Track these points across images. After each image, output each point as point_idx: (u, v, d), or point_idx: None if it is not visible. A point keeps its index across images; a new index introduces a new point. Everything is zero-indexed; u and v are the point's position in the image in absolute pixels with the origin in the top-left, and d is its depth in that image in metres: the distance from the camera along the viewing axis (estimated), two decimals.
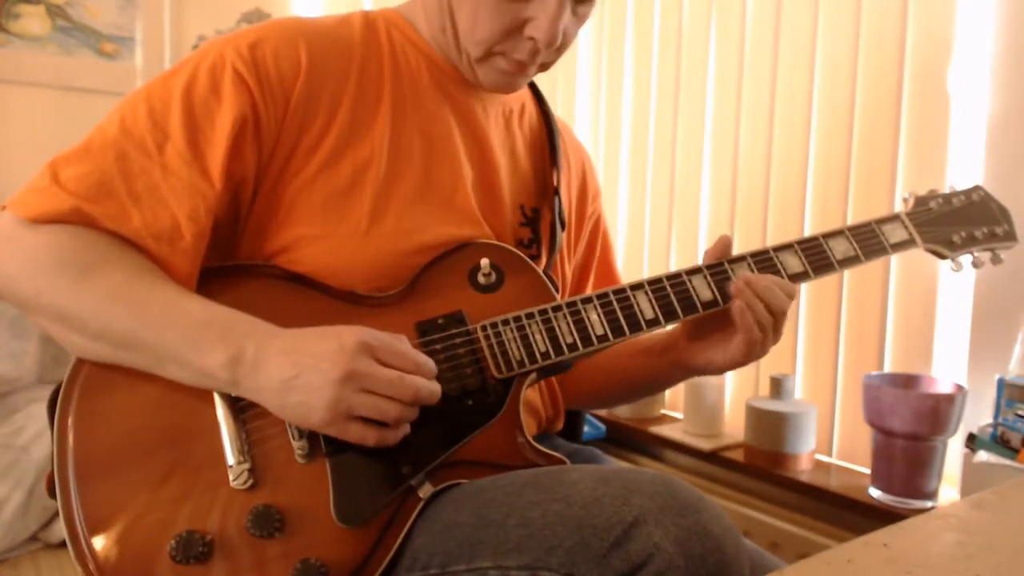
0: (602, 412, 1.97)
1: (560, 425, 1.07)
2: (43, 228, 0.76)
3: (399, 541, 0.74)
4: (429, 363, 0.76)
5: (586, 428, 1.87)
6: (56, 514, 1.77)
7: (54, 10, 2.34)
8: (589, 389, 1.07)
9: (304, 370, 0.71)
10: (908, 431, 1.36)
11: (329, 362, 0.71)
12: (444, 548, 0.72)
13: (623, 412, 1.93)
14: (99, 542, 0.71)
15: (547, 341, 0.83)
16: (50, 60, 2.34)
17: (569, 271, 1.07)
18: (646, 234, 2.03)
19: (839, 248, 0.94)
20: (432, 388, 0.75)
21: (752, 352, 0.89)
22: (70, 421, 0.75)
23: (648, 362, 1.01)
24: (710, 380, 1.77)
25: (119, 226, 0.78)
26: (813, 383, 1.68)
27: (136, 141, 0.79)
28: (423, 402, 0.75)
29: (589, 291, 1.10)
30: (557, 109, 1.07)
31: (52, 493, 0.75)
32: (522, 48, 0.87)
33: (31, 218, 0.76)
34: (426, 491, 0.76)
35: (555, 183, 1.01)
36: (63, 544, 0.71)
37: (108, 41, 2.41)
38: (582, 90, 2.18)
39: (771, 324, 0.87)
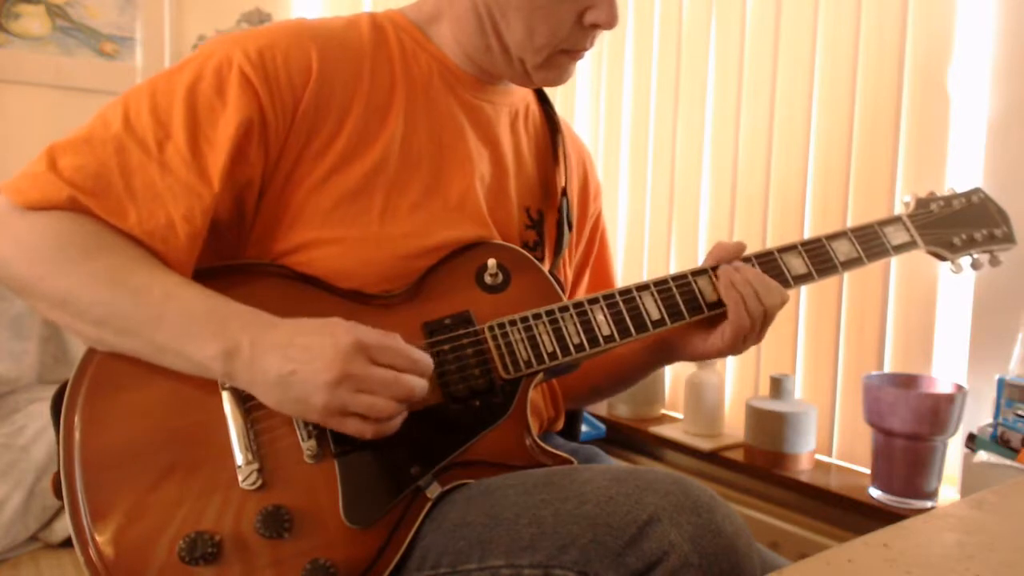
0: (602, 412, 1.97)
1: (560, 425, 1.07)
2: (38, 214, 0.76)
3: (408, 541, 0.74)
4: (425, 358, 0.76)
5: (586, 428, 1.87)
6: (56, 514, 1.77)
7: (54, 10, 2.33)
8: (581, 383, 1.05)
9: (299, 366, 0.71)
10: (908, 431, 1.36)
11: (322, 361, 0.71)
12: (454, 547, 0.72)
13: (623, 412, 1.92)
14: (106, 542, 0.71)
15: (554, 342, 0.84)
16: (50, 60, 2.34)
17: (571, 272, 1.07)
18: (646, 234, 2.03)
19: (842, 250, 0.95)
20: (425, 386, 0.75)
21: (736, 344, 0.89)
22: (76, 419, 0.75)
23: (629, 349, 0.99)
24: (710, 380, 1.77)
25: (115, 221, 0.77)
26: (813, 383, 1.68)
27: (137, 137, 0.79)
28: (418, 400, 0.75)
29: (584, 292, 1.10)
30: (557, 109, 1.07)
31: (58, 493, 0.74)
32: (584, 37, 0.89)
33: (26, 204, 0.76)
34: (434, 491, 0.77)
35: (562, 183, 1.01)
36: (63, 544, 0.71)
37: (108, 41, 2.41)
38: (582, 90, 2.18)
39: (761, 318, 0.88)
